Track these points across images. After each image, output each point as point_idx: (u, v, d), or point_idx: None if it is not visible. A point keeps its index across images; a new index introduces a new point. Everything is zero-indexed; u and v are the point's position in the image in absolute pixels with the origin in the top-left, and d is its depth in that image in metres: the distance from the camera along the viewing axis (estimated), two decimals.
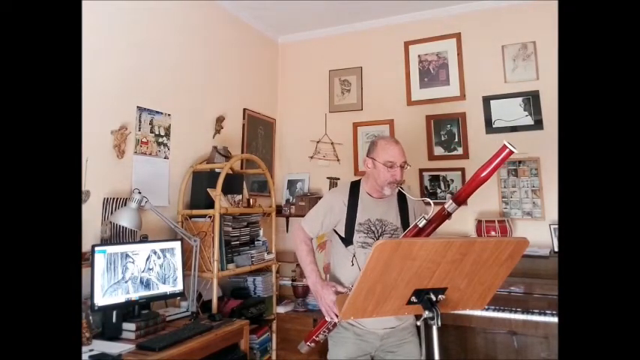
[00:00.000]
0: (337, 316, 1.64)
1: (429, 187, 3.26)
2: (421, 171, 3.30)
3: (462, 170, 3.17)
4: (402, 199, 1.83)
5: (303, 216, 1.98)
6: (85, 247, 1.97)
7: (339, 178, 3.28)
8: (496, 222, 2.89)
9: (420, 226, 1.52)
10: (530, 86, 3.06)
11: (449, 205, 1.46)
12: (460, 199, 1.45)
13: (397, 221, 1.81)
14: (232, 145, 3.10)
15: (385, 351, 1.77)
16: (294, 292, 3.20)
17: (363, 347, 1.75)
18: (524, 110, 3.05)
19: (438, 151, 3.29)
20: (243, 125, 3.39)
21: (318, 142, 3.59)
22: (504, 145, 1.32)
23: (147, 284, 2.07)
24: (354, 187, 1.86)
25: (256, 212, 2.85)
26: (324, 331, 1.75)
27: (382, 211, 1.80)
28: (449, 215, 1.48)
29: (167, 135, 2.63)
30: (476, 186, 1.42)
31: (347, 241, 1.78)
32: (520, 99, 3.07)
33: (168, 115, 2.65)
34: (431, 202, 1.57)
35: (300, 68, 3.87)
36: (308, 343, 1.79)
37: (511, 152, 1.31)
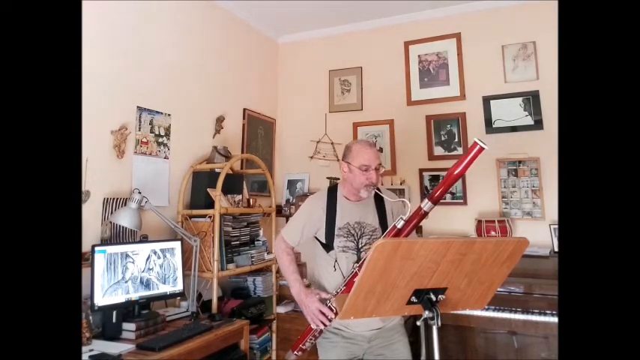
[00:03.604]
0: (329, 320, 1.64)
1: (429, 187, 3.26)
2: (421, 171, 3.30)
3: None
4: (379, 200, 1.83)
5: None
6: (85, 247, 1.97)
7: (338, 178, 3.27)
8: (496, 222, 2.89)
9: (399, 226, 1.55)
10: (530, 86, 3.06)
11: (425, 204, 1.48)
12: (435, 198, 1.47)
13: (375, 222, 1.80)
14: (232, 145, 3.10)
15: (373, 354, 1.76)
16: None
17: (353, 350, 1.75)
18: (524, 110, 3.05)
19: (438, 151, 3.29)
20: (243, 125, 3.39)
21: (318, 142, 3.58)
22: (475, 142, 1.36)
23: (147, 284, 2.07)
24: (332, 192, 1.85)
25: (256, 212, 2.85)
26: (311, 339, 1.74)
27: (360, 214, 1.79)
28: (425, 214, 1.50)
29: (167, 135, 2.63)
30: (450, 183, 1.45)
31: (328, 246, 1.77)
32: (520, 99, 3.07)
33: (169, 115, 2.65)
34: (407, 202, 1.59)
35: (300, 68, 3.87)
36: (295, 352, 1.78)
37: (482, 149, 1.35)
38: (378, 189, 1.75)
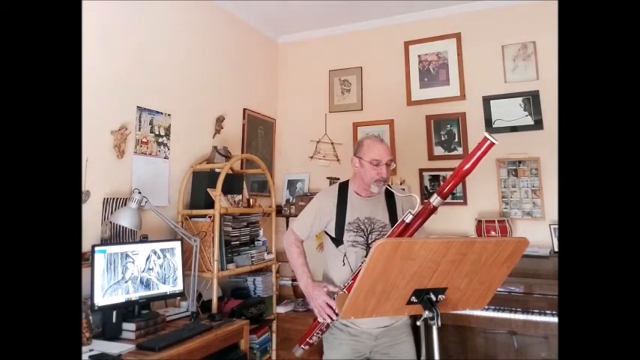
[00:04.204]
0: (336, 314, 1.64)
1: (429, 187, 3.26)
2: (421, 171, 3.30)
3: None
4: (389, 196, 1.85)
5: None
6: (85, 247, 1.97)
7: (339, 178, 3.27)
8: (496, 222, 2.89)
9: (407, 221, 1.54)
10: (530, 86, 3.06)
11: (434, 199, 1.48)
12: (445, 193, 1.47)
13: (386, 218, 1.82)
14: (232, 145, 3.10)
15: (380, 352, 1.76)
16: (294, 292, 3.20)
17: (358, 348, 1.76)
18: (524, 110, 3.05)
19: (438, 151, 3.29)
20: (243, 125, 3.39)
21: (318, 142, 3.59)
22: (485, 137, 1.35)
23: (147, 284, 2.07)
24: (343, 187, 1.88)
25: (256, 212, 2.85)
26: (318, 333, 1.75)
27: (370, 210, 1.81)
28: (435, 209, 1.50)
29: (167, 135, 2.63)
30: (460, 179, 1.45)
31: (337, 241, 1.79)
32: (520, 99, 3.07)
33: (169, 115, 2.65)
34: (416, 197, 1.60)
35: (300, 68, 3.87)
36: (302, 346, 1.79)
37: (492, 144, 1.34)
38: (389, 185, 1.76)
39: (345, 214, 1.80)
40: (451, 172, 3.20)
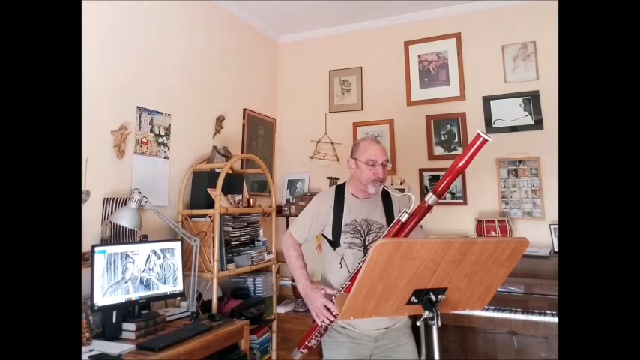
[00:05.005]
0: (334, 316, 1.64)
1: (429, 187, 3.26)
2: (421, 171, 3.30)
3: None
4: (386, 197, 1.85)
5: None
6: (85, 247, 1.98)
7: (339, 178, 3.28)
8: (496, 222, 2.89)
9: (403, 220, 1.54)
10: (530, 86, 3.06)
11: (429, 197, 1.48)
12: (440, 192, 1.47)
13: (382, 219, 1.82)
14: (232, 145, 3.10)
15: (380, 354, 1.76)
16: (294, 292, 3.20)
17: (358, 350, 1.75)
18: (524, 110, 3.05)
19: (438, 151, 3.29)
20: (243, 125, 3.39)
21: (318, 142, 3.59)
22: (478, 134, 1.35)
23: (147, 284, 2.07)
24: (340, 190, 1.88)
25: (256, 212, 2.85)
26: (316, 336, 1.74)
27: (367, 211, 1.81)
28: (430, 208, 1.50)
29: (167, 135, 2.63)
30: (454, 177, 1.45)
31: (334, 243, 1.79)
32: (520, 99, 3.07)
33: (169, 115, 2.65)
34: (412, 196, 1.60)
35: (300, 68, 3.87)
36: (301, 349, 1.78)
37: (485, 141, 1.34)
38: (386, 186, 1.77)
39: (342, 216, 1.80)
40: None
